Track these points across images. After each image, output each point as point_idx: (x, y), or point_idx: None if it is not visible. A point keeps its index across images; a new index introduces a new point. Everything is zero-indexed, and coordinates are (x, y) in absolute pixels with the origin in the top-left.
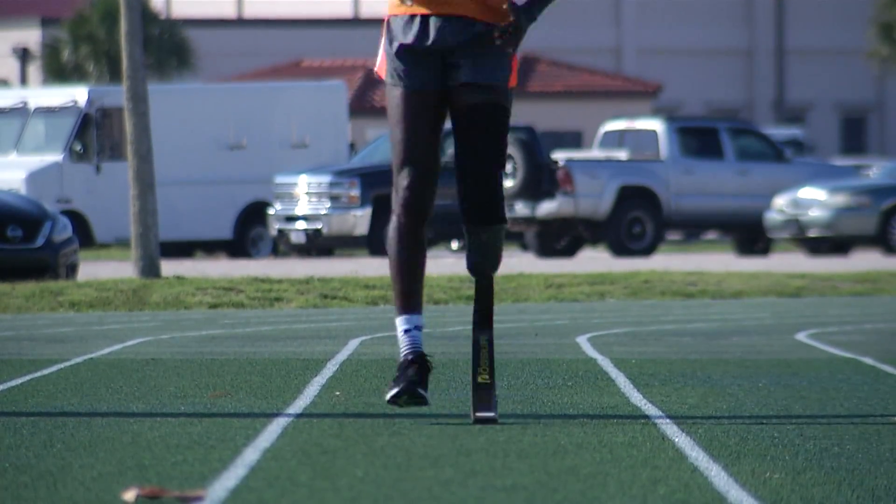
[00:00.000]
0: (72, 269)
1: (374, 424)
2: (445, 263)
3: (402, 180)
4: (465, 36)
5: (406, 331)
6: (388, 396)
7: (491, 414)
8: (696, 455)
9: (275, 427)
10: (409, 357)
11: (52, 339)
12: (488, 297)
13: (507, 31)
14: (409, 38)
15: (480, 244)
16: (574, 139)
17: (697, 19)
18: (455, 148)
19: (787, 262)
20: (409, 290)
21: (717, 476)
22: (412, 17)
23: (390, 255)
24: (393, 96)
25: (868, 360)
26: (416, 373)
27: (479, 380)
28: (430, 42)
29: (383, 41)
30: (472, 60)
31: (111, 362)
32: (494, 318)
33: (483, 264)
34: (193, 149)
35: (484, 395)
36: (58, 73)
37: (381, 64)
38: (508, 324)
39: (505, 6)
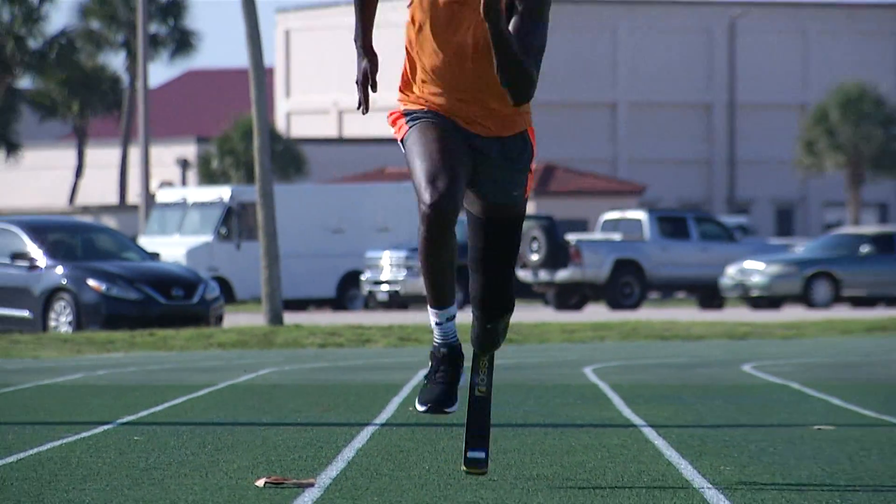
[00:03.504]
0: (219, 319)
1: (437, 431)
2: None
3: (424, 198)
4: (489, 152)
5: (438, 323)
6: (419, 409)
7: (481, 455)
8: (670, 453)
9: (365, 433)
10: (444, 351)
11: (204, 369)
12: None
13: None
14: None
15: (488, 331)
16: (582, 226)
17: (671, 137)
18: (472, 243)
19: (736, 315)
20: (439, 287)
21: (686, 469)
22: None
23: (420, 260)
24: (411, 136)
25: (795, 385)
26: (445, 378)
27: (477, 392)
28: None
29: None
30: (495, 181)
31: (247, 387)
32: (520, 357)
33: (487, 347)
34: (307, 232)
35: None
36: (209, 177)
37: (398, 128)
38: (533, 359)
39: (528, 126)
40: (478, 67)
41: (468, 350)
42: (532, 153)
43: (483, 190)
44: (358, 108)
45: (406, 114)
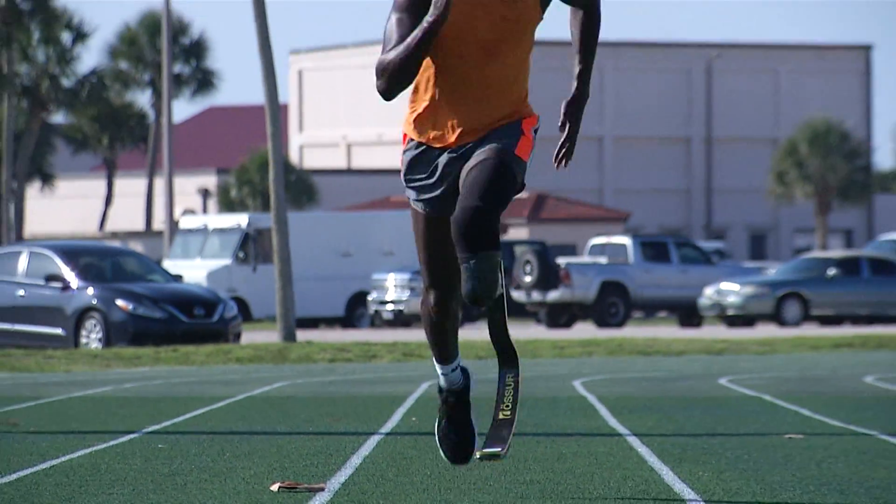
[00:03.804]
0: (237, 336)
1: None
2: (484, 333)
3: (428, 297)
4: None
5: (443, 374)
6: (445, 459)
7: (497, 449)
8: (653, 460)
9: (371, 441)
10: (451, 400)
11: (223, 382)
12: (505, 332)
13: (561, 148)
14: (422, 174)
15: (471, 271)
16: (571, 250)
17: (653, 168)
18: (463, 181)
19: (713, 332)
20: (443, 347)
21: (667, 474)
22: (427, 152)
23: (424, 326)
24: (416, 218)
25: (767, 397)
26: (458, 427)
27: (500, 416)
28: (444, 183)
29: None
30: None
31: (263, 398)
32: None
33: (476, 291)
34: (318, 255)
35: (500, 430)
36: (228, 205)
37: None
38: (526, 373)
39: (524, 117)
40: (495, 63)
41: (472, 364)
42: (522, 128)
43: (475, 152)
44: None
45: (406, 151)
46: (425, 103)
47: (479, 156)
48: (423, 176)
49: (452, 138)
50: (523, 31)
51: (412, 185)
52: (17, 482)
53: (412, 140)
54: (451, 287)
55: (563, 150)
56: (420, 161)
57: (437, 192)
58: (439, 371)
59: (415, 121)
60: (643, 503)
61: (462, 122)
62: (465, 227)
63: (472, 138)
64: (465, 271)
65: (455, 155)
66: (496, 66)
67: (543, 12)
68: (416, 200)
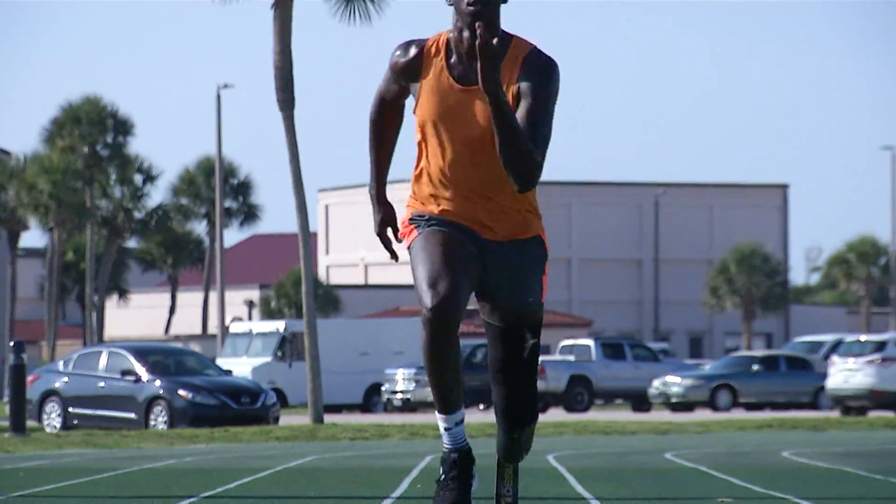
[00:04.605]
0: (276, 419)
1: None
2: (475, 418)
3: (425, 301)
4: (504, 258)
5: (447, 429)
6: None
7: None
8: None
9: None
10: (454, 456)
11: (264, 457)
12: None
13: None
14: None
15: (513, 441)
16: (545, 349)
17: (611, 284)
18: (492, 354)
19: (660, 416)
20: (445, 393)
21: None
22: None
23: (426, 366)
24: (416, 244)
25: (703, 468)
26: (457, 484)
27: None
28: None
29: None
30: (509, 282)
31: (297, 469)
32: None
33: (515, 457)
34: (341, 354)
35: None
36: (268, 313)
37: (404, 233)
38: None
39: (540, 231)
40: (486, 161)
41: (478, 453)
42: (545, 255)
43: (497, 295)
44: (392, 259)
45: (412, 220)
46: (428, 190)
47: (509, 312)
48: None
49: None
50: None
51: (416, 223)
52: None
53: (418, 215)
54: (453, 291)
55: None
56: (425, 216)
57: (444, 225)
58: (443, 427)
59: (420, 203)
60: None
61: (468, 217)
62: (515, 411)
63: (488, 216)
64: (505, 439)
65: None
66: (485, 160)
67: (519, 87)
68: (418, 228)
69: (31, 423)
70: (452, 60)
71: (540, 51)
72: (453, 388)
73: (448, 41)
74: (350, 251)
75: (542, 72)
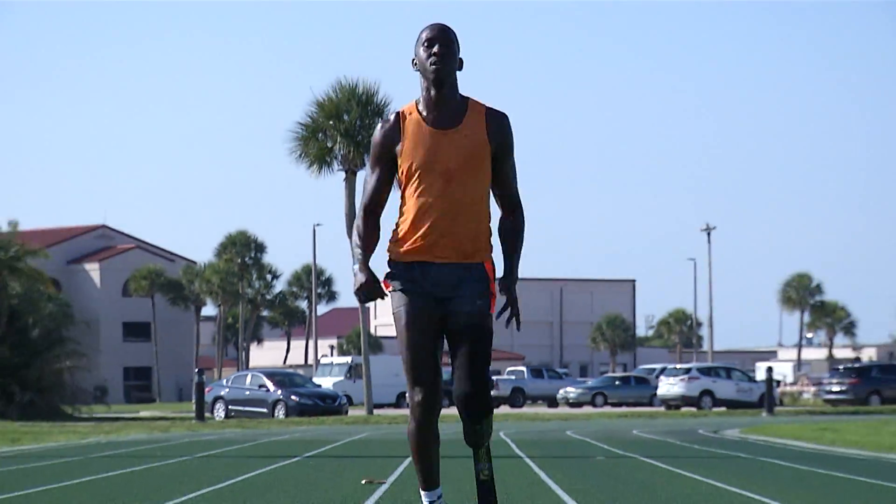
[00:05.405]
0: (346, 412)
1: None
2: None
3: (414, 395)
4: (454, 280)
5: (431, 502)
6: None
7: None
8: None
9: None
10: None
11: (341, 433)
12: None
13: (508, 313)
14: (410, 283)
15: (476, 431)
16: (497, 372)
17: (534, 334)
18: (452, 356)
19: (564, 411)
20: (429, 472)
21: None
22: (411, 263)
23: (411, 446)
24: (398, 319)
25: (588, 439)
26: None
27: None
28: (429, 287)
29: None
30: (462, 297)
31: (361, 441)
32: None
33: (479, 444)
34: (382, 375)
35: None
36: (342, 353)
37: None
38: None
39: (484, 260)
40: (460, 189)
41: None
42: (487, 278)
43: (452, 307)
44: (365, 302)
45: (388, 276)
46: (404, 228)
47: (462, 316)
48: (406, 278)
49: (429, 255)
50: (481, 159)
51: (394, 278)
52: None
53: (394, 262)
54: (433, 385)
55: (510, 317)
56: (402, 271)
57: (419, 290)
58: (427, 501)
59: (398, 241)
60: None
61: (436, 239)
62: (471, 407)
63: (447, 256)
64: (470, 431)
65: (432, 266)
66: (459, 190)
67: (492, 145)
68: (402, 309)
69: (207, 415)
70: (425, 114)
71: (491, 107)
72: (435, 465)
73: (417, 102)
74: (388, 315)
75: (504, 130)
